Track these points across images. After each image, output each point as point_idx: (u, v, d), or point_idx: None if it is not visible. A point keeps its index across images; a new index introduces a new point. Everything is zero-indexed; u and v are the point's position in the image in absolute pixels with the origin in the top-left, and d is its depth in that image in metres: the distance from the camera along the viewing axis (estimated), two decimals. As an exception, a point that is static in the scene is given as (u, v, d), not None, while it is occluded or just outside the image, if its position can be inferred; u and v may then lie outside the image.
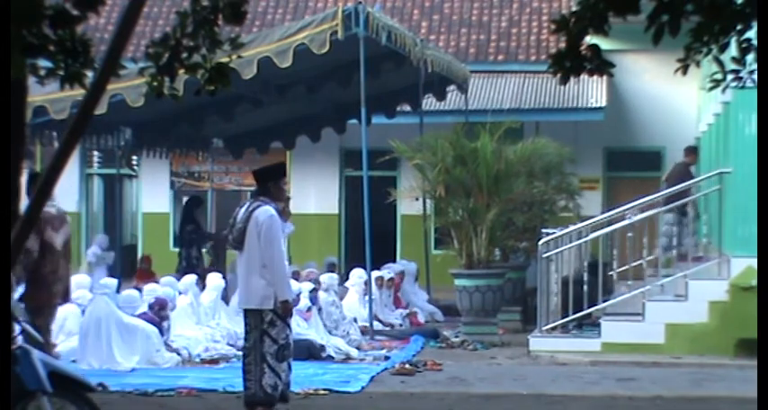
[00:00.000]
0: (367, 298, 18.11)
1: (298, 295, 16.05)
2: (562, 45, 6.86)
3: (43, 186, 6.30)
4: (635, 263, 17.09)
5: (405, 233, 26.41)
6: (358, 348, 16.32)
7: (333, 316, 16.88)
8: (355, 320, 17.40)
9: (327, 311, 16.81)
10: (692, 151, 20.78)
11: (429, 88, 22.37)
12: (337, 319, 16.94)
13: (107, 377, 13.41)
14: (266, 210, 11.08)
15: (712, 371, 14.80)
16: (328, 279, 17.47)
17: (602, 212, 19.71)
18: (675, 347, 15.96)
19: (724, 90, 7.48)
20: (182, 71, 6.84)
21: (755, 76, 6.97)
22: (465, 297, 17.92)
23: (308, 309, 16.06)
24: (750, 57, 6.89)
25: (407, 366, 14.93)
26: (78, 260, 27.02)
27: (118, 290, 16.41)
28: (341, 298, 17.86)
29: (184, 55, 6.76)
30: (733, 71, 7.01)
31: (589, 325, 16.96)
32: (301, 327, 15.80)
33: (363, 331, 17.27)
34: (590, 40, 7.14)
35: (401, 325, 19.09)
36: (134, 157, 26.59)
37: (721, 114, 18.46)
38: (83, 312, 15.89)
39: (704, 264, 16.83)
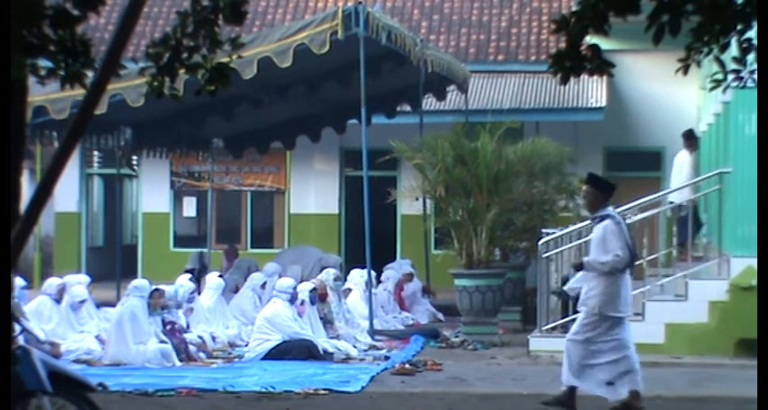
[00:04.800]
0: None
1: (295, 289, 16.10)
2: (562, 45, 6.86)
3: (43, 186, 6.30)
4: (635, 263, 17.06)
5: (405, 233, 26.40)
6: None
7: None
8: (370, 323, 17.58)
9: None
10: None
11: (429, 88, 22.36)
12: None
13: (107, 377, 13.42)
14: None
15: (712, 371, 14.79)
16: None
17: (603, 212, 19.66)
18: (675, 347, 15.96)
19: (725, 90, 7.49)
20: (182, 71, 6.84)
21: (756, 76, 6.97)
22: (465, 297, 17.92)
23: (302, 303, 16.09)
24: (751, 57, 6.89)
25: (407, 366, 14.93)
26: (78, 259, 27.07)
27: (119, 290, 16.44)
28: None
29: (185, 55, 6.77)
30: (734, 71, 7.02)
31: (589, 325, 16.92)
32: (302, 327, 15.83)
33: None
34: (590, 40, 7.14)
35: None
36: (134, 157, 26.58)
37: (721, 114, 18.45)
38: (56, 301, 15.95)
39: (704, 264, 16.83)
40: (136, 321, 15.11)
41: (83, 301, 16.33)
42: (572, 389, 11.87)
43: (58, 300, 16.16)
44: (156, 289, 15.61)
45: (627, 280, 11.97)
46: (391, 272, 20.51)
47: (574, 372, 11.83)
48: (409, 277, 20.73)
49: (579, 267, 12.16)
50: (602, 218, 11.78)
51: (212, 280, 18.21)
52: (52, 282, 16.59)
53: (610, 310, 11.77)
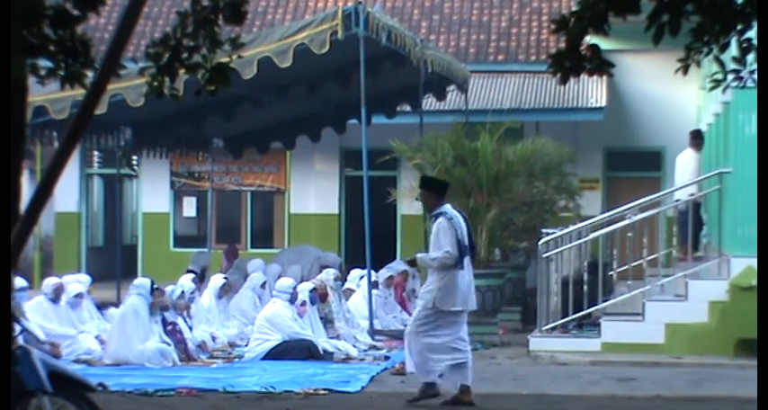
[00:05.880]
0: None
1: (294, 289, 16.10)
2: (562, 45, 6.85)
3: (43, 186, 6.30)
4: (635, 263, 17.09)
5: (405, 233, 26.40)
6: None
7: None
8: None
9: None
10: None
11: (429, 88, 22.35)
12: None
13: (107, 377, 13.42)
14: None
15: (712, 371, 14.79)
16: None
17: (602, 212, 19.69)
18: (675, 347, 15.96)
19: (725, 90, 7.48)
20: (182, 71, 6.84)
21: (756, 76, 6.97)
22: (465, 297, 17.90)
23: (303, 303, 16.09)
24: (750, 57, 6.89)
25: (408, 366, 14.91)
26: (78, 259, 27.08)
27: (119, 290, 16.42)
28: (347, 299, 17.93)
29: (185, 55, 6.77)
30: (733, 71, 7.01)
31: (589, 325, 16.95)
32: (303, 327, 15.84)
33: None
34: (590, 40, 7.14)
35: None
36: (134, 157, 26.59)
37: (721, 114, 18.45)
38: (53, 301, 15.94)
39: (704, 264, 16.83)
40: (138, 319, 15.12)
41: (78, 295, 16.30)
42: (428, 383, 12.23)
43: (54, 300, 16.11)
44: (157, 289, 15.62)
45: (463, 275, 12.16)
46: (383, 272, 20.40)
47: (419, 367, 12.23)
48: (405, 275, 20.55)
49: (412, 263, 12.62)
50: (437, 216, 12.10)
51: (213, 280, 18.24)
52: (49, 282, 16.57)
53: (445, 305, 12.03)
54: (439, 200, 12.27)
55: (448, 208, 12.24)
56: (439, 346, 12.08)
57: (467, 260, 12.12)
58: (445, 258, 11.95)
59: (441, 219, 12.04)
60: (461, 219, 12.17)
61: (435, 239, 12.09)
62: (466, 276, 12.19)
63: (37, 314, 15.75)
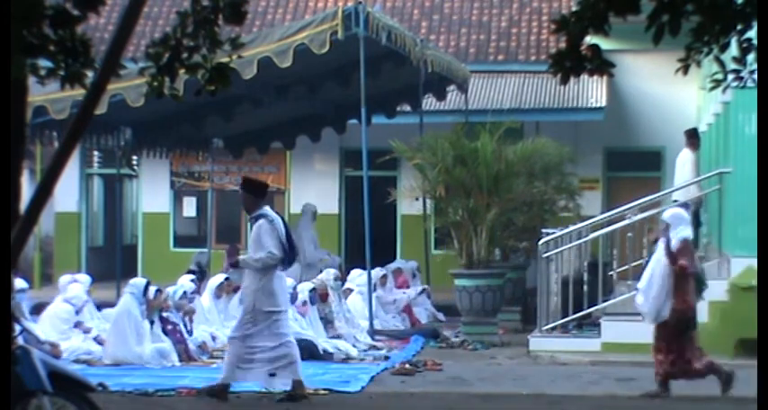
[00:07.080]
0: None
1: (294, 289, 16.10)
2: (562, 45, 6.86)
3: (43, 186, 6.31)
4: (635, 263, 17.08)
5: (405, 233, 26.41)
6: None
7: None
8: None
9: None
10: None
11: (429, 88, 22.36)
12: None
13: (107, 377, 13.42)
14: None
15: (712, 371, 14.77)
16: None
17: (602, 212, 19.69)
18: (675, 347, 15.93)
19: (725, 90, 7.49)
20: (182, 71, 6.85)
21: (756, 76, 6.97)
22: (465, 297, 17.93)
23: (304, 303, 16.09)
24: (751, 57, 6.89)
25: (407, 366, 14.94)
26: (78, 259, 27.08)
27: (119, 290, 16.41)
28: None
29: (185, 55, 6.78)
30: (734, 71, 7.01)
31: (589, 325, 16.95)
32: (303, 327, 15.83)
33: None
34: (590, 40, 7.14)
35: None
36: (134, 157, 26.60)
37: (721, 114, 18.45)
38: (76, 312, 15.93)
39: (704, 264, 16.81)
40: (132, 319, 15.12)
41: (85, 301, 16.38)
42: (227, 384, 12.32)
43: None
44: (159, 290, 15.62)
45: (280, 276, 12.33)
46: (377, 271, 20.28)
47: (232, 370, 12.23)
48: (384, 280, 20.21)
49: (235, 264, 12.70)
50: (258, 218, 12.23)
51: (212, 280, 18.23)
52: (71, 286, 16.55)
53: (266, 306, 12.13)
54: (258, 201, 12.38)
55: (268, 210, 12.38)
56: (265, 346, 12.17)
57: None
58: (269, 258, 12.08)
59: (262, 221, 12.19)
60: (281, 222, 12.33)
61: (256, 241, 12.21)
62: (282, 277, 12.43)
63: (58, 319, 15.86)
